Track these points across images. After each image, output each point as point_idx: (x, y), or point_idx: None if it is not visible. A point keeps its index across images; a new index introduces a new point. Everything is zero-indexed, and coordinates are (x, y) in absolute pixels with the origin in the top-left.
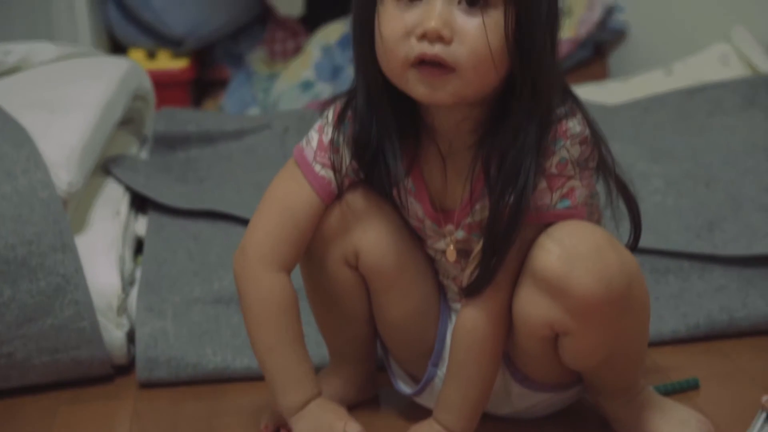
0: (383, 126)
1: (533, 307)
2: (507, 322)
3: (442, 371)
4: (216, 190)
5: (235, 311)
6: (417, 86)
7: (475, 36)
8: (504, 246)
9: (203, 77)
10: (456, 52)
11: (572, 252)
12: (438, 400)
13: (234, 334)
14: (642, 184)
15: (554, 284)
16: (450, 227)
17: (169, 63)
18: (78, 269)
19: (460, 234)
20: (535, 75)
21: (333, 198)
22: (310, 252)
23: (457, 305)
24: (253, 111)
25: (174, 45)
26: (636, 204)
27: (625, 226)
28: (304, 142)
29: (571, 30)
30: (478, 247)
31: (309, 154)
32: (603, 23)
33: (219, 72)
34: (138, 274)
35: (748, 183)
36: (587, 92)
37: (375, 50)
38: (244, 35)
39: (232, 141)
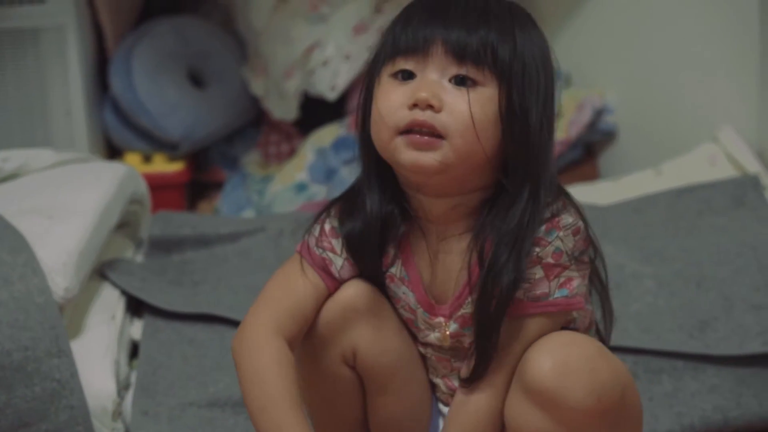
0: (371, 204)
1: (525, 418)
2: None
3: None
4: (211, 293)
5: (230, 415)
6: (403, 151)
7: (464, 108)
8: (494, 329)
9: (198, 179)
10: (445, 120)
11: (563, 364)
12: None
13: None
14: (634, 284)
15: (546, 397)
16: (440, 319)
17: (164, 166)
18: (73, 374)
19: (453, 327)
20: (528, 155)
21: (333, 280)
22: (308, 351)
23: (445, 409)
24: (248, 212)
25: (170, 149)
26: (610, 305)
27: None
28: (307, 235)
29: (561, 131)
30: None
31: (311, 241)
32: (593, 125)
33: (214, 174)
34: (133, 378)
35: (739, 282)
36: (578, 192)
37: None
38: (239, 138)
39: (228, 244)
